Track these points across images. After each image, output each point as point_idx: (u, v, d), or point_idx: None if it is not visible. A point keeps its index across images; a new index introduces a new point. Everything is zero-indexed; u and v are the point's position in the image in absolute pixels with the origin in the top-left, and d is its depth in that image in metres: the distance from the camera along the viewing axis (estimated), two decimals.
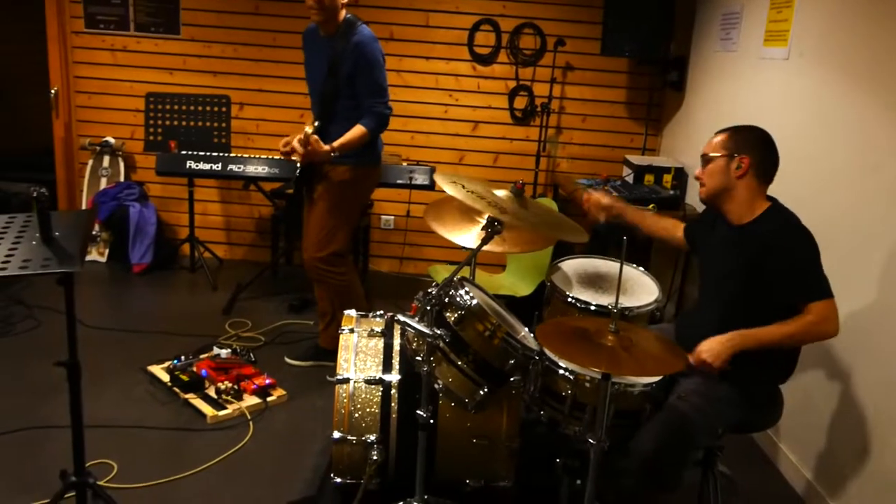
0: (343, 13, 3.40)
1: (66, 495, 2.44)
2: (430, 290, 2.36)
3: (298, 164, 3.54)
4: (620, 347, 2.07)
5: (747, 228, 2.42)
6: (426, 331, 2.29)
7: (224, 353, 3.77)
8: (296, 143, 3.35)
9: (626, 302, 2.82)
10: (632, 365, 2.06)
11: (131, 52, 5.18)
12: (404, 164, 4.78)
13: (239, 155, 4.60)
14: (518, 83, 5.10)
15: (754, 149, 2.41)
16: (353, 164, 3.50)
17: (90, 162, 5.27)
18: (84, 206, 5.26)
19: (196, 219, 5.08)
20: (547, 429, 2.61)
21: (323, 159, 3.40)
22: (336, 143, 3.36)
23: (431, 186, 4.65)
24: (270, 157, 4.56)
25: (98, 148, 5.22)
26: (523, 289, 3.98)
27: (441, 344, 2.36)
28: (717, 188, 2.46)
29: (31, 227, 2.29)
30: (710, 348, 2.30)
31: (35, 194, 2.18)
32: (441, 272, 4.10)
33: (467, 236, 2.93)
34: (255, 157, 4.55)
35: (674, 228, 2.90)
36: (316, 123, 3.35)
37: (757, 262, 2.34)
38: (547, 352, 2.45)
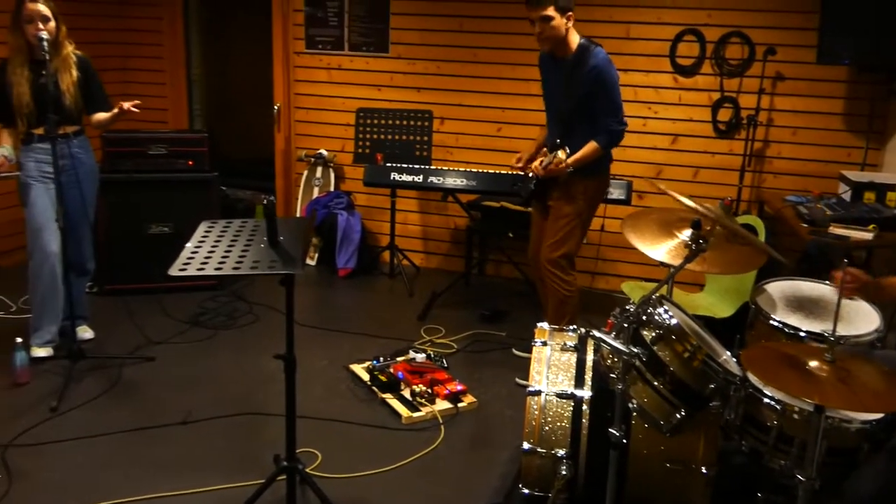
0: (576, 38, 3.61)
1: (278, 478, 2.66)
2: (627, 307, 2.33)
3: (531, 181, 3.82)
4: (836, 378, 1.93)
5: None
6: (622, 348, 2.26)
7: (419, 357, 3.93)
8: (537, 165, 3.68)
9: (842, 330, 2.61)
10: (849, 398, 1.91)
11: (345, 70, 5.56)
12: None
13: (439, 168, 4.79)
14: (722, 95, 4.89)
15: None
16: (587, 176, 3.70)
17: (305, 172, 5.71)
18: (298, 213, 5.70)
19: (396, 227, 5.34)
20: (748, 459, 2.48)
21: (559, 175, 3.65)
22: (571, 160, 3.60)
23: (628, 201, 4.58)
24: (468, 169, 4.71)
25: (312, 159, 5.64)
26: (723, 310, 3.80)
27: (637, 363, 2.32)
28: None
29: (259, 231, 2.54)
30: None
31: (265, 202, 2.41)
32: (635, 289, 4.02)
33: (665, 252, 2.85)
34: (453, 170, 4.72)
35: None
36: (567, 150, 3.58)
37: None
38: (751, 378, 2.33)
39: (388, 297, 5.15)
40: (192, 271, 2.23)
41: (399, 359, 3.93)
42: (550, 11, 3.47)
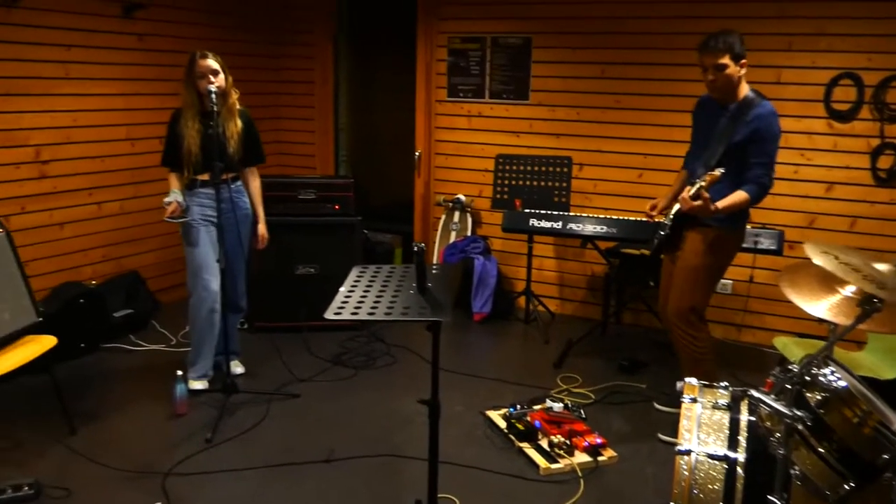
0: (745, 89, 3.49)
1: None
2: (790, 367, 2.21)
3: (666, 227, 3.67)
4: None
5: None
6: (785, 411, 2.14)
7: (557, 406, 3.86)
8: (685, 195, 3.43)
9: None
10: None
11: (484, 118, 5.66)
12: (748, 227, 4.54)
13: (578, 214, 4.75)
14: (883, 141, 4.60)
15: None
16: (723, 227, 3.54)
17: (443, 217, 5.82)
18: (435, 258, 5.80)
19: (531, 273, 5.33)
20: None
21: (704, 215, 3.44)
22: (721, 204, 3.39)
23: (779, 251, 4.37)
24: (608, 216, 4.65)
25: (450, 204, 5.75)
26: (887, 371, 3.53)
27: (801, 427, 2.19)
28: None
29: (408, 277, 2.59)
30: None
31: (416, 249, 2.46)
32: (788, 345, 3.81)
33: (826, 309, 2.68)
34: (593, 217, 4.67)
35: None
36: (721, 169, 3.32)
37: None
38: None
39: (524, 342, 5.13)
40: (346, 315, 2.30)
41: (536, 407, 3.89)
42: (726, 59, 3.36)
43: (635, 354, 4.72)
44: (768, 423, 2.30)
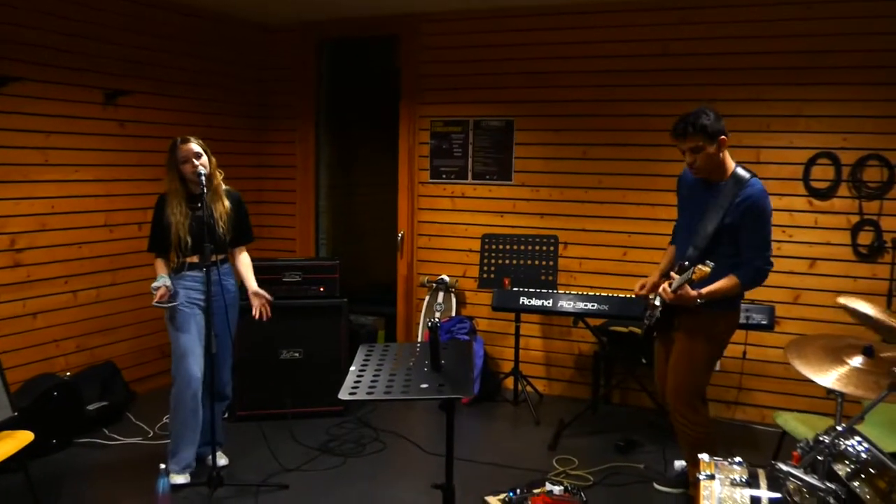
0: (731, 166, 3.39)
1: None
2: (821, 439, 2.16)
3: (656, 309, 3.55)
4: None
5: None
6: (819, 484, 2.08)
7: (557, 489, 3.74)
8: (666, 288, 3.31)
9: None
10: None
11: (468, 198, 5.69)
12: None
13: (568, 291, 4.71)
14: (862, 217, 4.70)
15: None
16: (715, 310, 3.39)
17: (426, 297, 5.76)
18: (419, 338, 5.70)
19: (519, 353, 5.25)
20: None
21: (688, 304, 3.32)
22: (704, 290, 3.27)
23: (770, 327, 4.38)
24: (598, 293, 4.63)
25: (434, 285, 5.70)
26: (888, 443, 3.49)
27: (832, 500, 2.12)
28: None
29: (421, 355, 2.52)
30: None
31: (430, 325, 2.40)
32: (790, 421, 3.76)
33: (834, 378, 2.66)
34: (583, 294, 4.63)
35: None
36: (711, 265, 3.14)
37: None
38: None
39: (514, 424, 5.00)
40: (361, 395, 2.21)
41: (536, 491, 3.75)
42: (700, 141, 3.27)
43: (628, 434, 4.62)
44: (797, 499, 2.22)
